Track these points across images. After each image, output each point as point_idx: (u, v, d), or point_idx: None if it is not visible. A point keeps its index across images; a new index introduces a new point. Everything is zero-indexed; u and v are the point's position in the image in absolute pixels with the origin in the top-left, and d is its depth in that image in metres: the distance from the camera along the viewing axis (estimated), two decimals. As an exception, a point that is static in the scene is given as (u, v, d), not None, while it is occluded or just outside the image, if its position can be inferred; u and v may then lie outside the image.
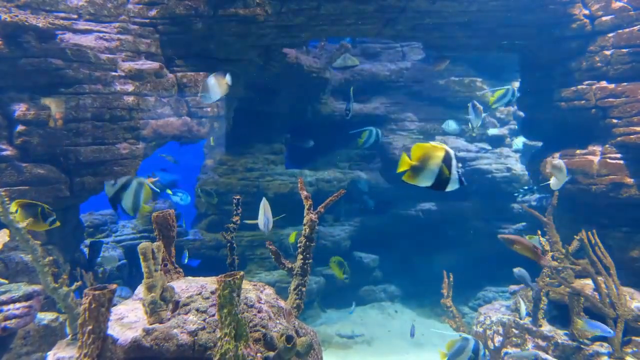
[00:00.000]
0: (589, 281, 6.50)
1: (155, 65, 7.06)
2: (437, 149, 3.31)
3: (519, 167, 11.61)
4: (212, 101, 6.50)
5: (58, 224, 5.33)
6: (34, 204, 5.17)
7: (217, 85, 6.20)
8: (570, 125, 8.14)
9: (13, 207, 4.96)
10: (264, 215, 5.81)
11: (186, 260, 9.86)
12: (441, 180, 3.31)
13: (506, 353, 6.62)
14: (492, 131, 12.46)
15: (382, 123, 12.76)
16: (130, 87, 6.80)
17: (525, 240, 5.32)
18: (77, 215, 7.63)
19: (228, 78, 6.37)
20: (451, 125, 11.74)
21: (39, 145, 6.16)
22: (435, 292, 8.16)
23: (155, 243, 3.47)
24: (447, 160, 3.26)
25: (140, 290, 3.70)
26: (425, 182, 3.36)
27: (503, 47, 9.04)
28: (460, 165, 3.33)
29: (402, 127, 12.74)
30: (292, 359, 3.21)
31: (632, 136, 6.98)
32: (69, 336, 4.08)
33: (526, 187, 11.07)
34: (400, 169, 3.35)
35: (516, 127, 12.87)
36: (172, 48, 7.47)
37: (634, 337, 6.01)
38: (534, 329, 6.80)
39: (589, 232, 6.36)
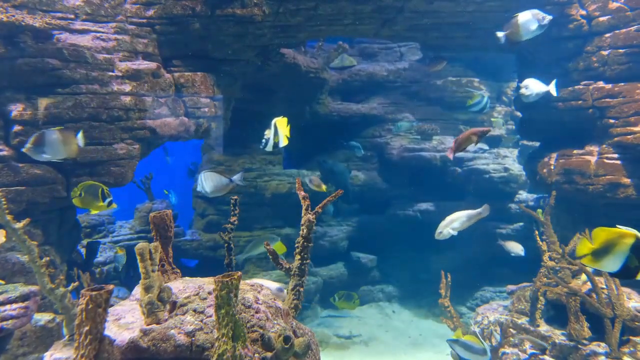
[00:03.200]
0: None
1: (152, 65, 7.05)
2: (625, 235, 3.14)
3: (516, 168, 11.63)
4: (43, 159, 5.48)
5: (114, 205, 5.71)
6: (95, 185, 5.54)
7: (62, 142, 5.24)
8: (567, 126, 8.15)
9: (77, 191, 5.51)
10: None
11: None
12: (630, 268, 3.12)
13: (504, 353, 6.63)
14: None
15: (379, 123, 12.77)
16: (127, 87, 6.78)
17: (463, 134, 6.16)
18: (74, 216, 7.60)
19: (80, 139, 5.42)
20: (403, 126, 11.79)
21: (36, 145, 6.14)
22: (433, 292, 8.17)
23: (152, 243, 3.46)
24: (637, 248, 3.07)
25: (138, 290, 3.68)
26: (609, 267, 3.21)
27: (500, 48, 9.04)
28: None
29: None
30: (289, 360, 3.21)
31: (629, 136, 6.99)
32: (66, 337, 4.07)
33: None
34: (580, 253, 3.24)
35: (514, 127, 12.89)
36: (169, 48, 7.45)
37: (631, 337, 6.02)
38: (532, 328, 6.81)
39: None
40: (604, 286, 6.18)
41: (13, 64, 6.02)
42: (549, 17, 5.74)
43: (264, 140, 6.07)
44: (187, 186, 13.07)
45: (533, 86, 6.76)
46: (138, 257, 3.30)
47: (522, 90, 6.73)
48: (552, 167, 8.16)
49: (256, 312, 3.43)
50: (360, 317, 11.16)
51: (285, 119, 6.14)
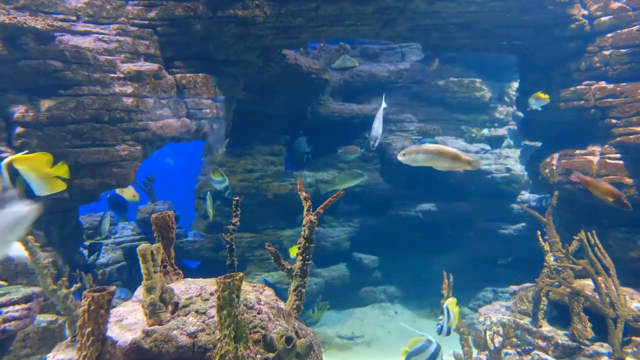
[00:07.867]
0: (589, 281, 6.50)
1: (154, 66, 7.06)
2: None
3: (518, 168, 11.62)
4: None
5: None
6: None
7: None
8: (569, 126, 8.14)
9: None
10: None
11: None
12: None
13: (506, 354, 6.61)
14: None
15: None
16: (129, 89, 6.79)
17: (602, 182, 5.19)
18: (76, 217, 7.62)
19: None
20: (351, 158, 11.98)
21: (38, 147, 6.15)
22: (435, 292, 8.15)
23: (154, 245, 3.46)
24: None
25: (140, 292, 3.69)
26: None
27: (502, 48, 9.04)
28: None
29: (401, 128, 12.75)
30: (291, 361, 3.21)
31: (631, 136, 6.98)
32: (68, 338, 4.07)
33: None
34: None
35: (515, 127, 12.88)
36: (171, 49, 7.46)
37: (634, 337, 6.00)
38: (534, 329, 6.79)
39: (589, 233, 6.36)
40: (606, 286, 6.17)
41: (15, 66, 6.03)
42: None
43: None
44: (188, 188, 13.08)
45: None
46: (140, 259, 3.31)
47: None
48: (554, 167, 8.15)
49: (258, 313, 3.43)
50: (363, 318, 11.15)
51: (39, 156, 3.74)
